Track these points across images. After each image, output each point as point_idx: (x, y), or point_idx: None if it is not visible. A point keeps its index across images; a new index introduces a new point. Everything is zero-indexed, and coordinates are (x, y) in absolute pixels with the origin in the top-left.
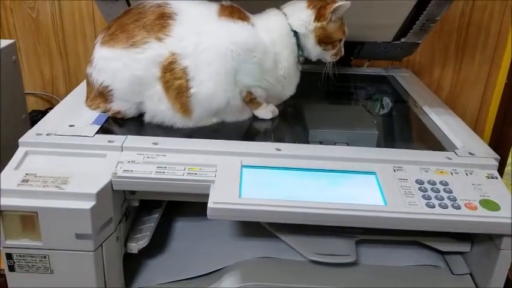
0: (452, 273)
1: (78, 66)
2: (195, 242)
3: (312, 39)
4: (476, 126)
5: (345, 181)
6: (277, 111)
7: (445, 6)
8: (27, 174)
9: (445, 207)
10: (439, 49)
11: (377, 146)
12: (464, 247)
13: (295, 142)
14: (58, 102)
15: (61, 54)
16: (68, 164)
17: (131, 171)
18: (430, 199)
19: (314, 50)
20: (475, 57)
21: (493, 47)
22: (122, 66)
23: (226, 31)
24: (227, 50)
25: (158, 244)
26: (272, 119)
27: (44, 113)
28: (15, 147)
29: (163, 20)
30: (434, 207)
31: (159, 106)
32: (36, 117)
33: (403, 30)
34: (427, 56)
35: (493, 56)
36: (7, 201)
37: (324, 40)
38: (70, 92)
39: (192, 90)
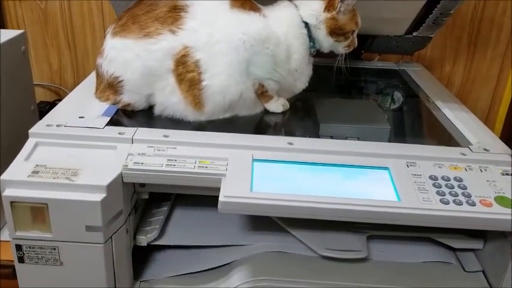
0: (465, 270)
1: (86, 57)
2: (204, 235)
3: (323, 30)
4: (486, 123)
5: (358, 176)
6: (288, 105)
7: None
8: (37, 165)
9: (460, 203)
10: (450, 44)
11: (389, 141)
12: (477, 244)
13: (305, 136)
14: (66, 93)
15: (69, 46)
16: (78, 155)
17: (142, 163)
18: (445, 195)
19: (326, 41)
20: (486, 53)
21: (505, 42)
22: (134, 57)
23: (239, 22)
24: (239, 40)
25: (167, 237)
26: (283, 113)
27: (51, 104)
28: (23, 138)
29: (175, 12)
30: (449, 203)
31: (170, 98)
32: (43, 108)
33: (416, 24)
34: (438, 50)
35: (505, 52)
36: (17, 193)
37: (335, 31)
38: (78, 83)
39: (204, 83)
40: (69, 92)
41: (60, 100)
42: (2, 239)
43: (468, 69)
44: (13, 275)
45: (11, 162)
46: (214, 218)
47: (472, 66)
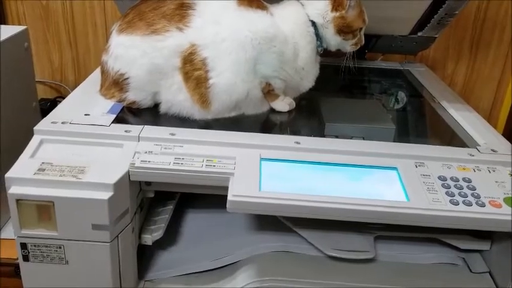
0: (471, 271)
1: (88, 55)
2: (209, 234)
3: (331, 29)
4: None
5: (366, 176)
6: (294, 104)
7: (464, 0)
8: (43, 163)
9: (469, 204)
10: (453, 44)
11: (394, 141)
12: (484, 245)
13: (311, 135)
14: (66, 90)
15: (70, 43)
16: (84, 153)
17: (149, 162)
18: (454, 196)
19: (333, 40)
20: (489, 53)
21: (507, 43)
22: (140, 54)
23: (246, 20)
24: (246, 38)
25: (172, 236)
26: (288, 112)
27: (52, 101)
28: (25, 135)
29: (182, 10)
30: (459, 204)
31: (177, 96)
32: (44, 105)
33: (421, 24)
34: (441, 50)
35: (507, 53)
36: (23, 190)
37: (344, 30)
38: (79, 80)
39: (211, 81)
40: (70, 89)
41: (61, 97)
42: (2, 237)
43: (470, 69)
44: (14, 273)
45: (12, 159)
46: (219, 217)
47: (474, 66)
